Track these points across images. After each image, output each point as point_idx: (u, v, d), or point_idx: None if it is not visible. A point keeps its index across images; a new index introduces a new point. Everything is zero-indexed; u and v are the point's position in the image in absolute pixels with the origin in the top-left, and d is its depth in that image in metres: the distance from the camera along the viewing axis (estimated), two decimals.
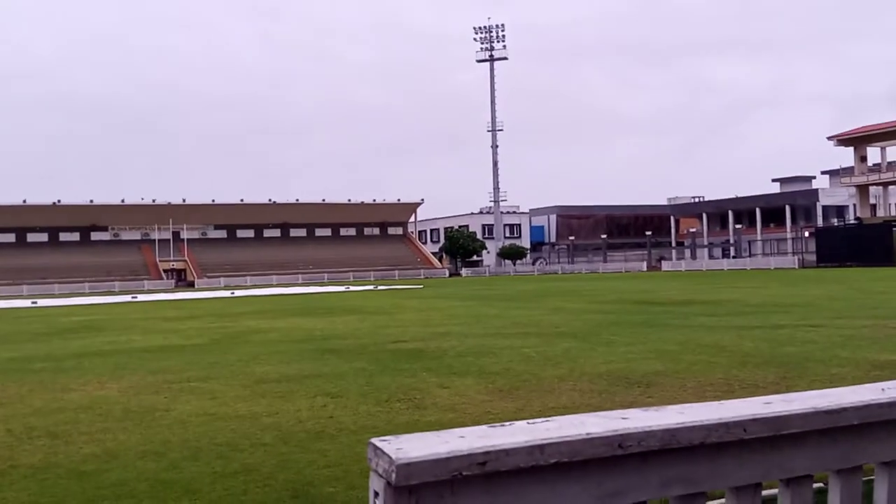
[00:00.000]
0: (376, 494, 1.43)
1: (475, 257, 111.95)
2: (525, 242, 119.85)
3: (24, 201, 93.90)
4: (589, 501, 1.53)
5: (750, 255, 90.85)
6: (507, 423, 1.55)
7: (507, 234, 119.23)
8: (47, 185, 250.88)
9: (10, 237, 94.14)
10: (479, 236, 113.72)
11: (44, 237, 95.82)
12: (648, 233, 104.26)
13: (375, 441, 1.45)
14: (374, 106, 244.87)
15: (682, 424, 1.63)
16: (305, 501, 5.48)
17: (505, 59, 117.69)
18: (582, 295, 34.21)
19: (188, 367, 12.78)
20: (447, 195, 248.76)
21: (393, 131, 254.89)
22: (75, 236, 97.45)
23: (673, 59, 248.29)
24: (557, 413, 6.60)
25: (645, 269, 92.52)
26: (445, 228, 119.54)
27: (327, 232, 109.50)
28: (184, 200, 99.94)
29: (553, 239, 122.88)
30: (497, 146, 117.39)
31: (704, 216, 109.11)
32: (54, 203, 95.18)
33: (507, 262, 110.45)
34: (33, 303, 49.81)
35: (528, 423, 1.56)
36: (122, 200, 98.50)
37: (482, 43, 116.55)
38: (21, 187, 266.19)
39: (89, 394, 10.33)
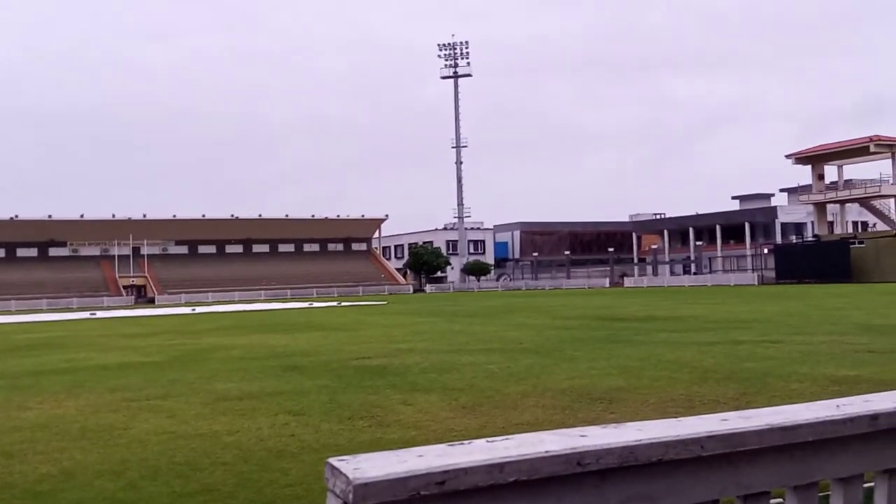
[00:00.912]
0: None
1: (439, 273, 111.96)
2: (489, 258, 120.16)
3: None
4: None
5: (710, 272, 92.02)
6: (467, 442, 1.55)
7: (472, 251, 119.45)
8: (4, 200, 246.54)
9: None
10: (443, 252, 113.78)
11: (1, 253, 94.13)
12: (611, 249, 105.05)
13: (332, 461, 1.44)
14: (340, 120, 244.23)
15: (640, 442, 1.64)
16: None
17: (469, 75, 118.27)
18: (545, 311, 34.35)
19: (147, 385, 12.60)
20: (412, 211, 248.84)
21: (358, 146, 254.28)
22: (33, 252, 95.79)
23: (637, 75, 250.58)
24: (521, 430, 6.61)
25: (607, 285, 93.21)
26: (410, 244, 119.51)
27: (291, 248, 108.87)
28: (144, 216, 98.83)
29: (517, 255, 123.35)
30: (461, 162, 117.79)
31: (666, 233, 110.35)
32: (12, 218, 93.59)
33: (472, 278, 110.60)
34: None
35: (487, 441, 1.56)
36: (82, 215, 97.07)
37: (446, 59, 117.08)
38: None
39: (46, 412, 10.14)
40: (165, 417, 9.45)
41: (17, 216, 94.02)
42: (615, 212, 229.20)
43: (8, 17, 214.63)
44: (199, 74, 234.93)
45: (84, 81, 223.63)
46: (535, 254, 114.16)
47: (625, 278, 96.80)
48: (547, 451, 1.50)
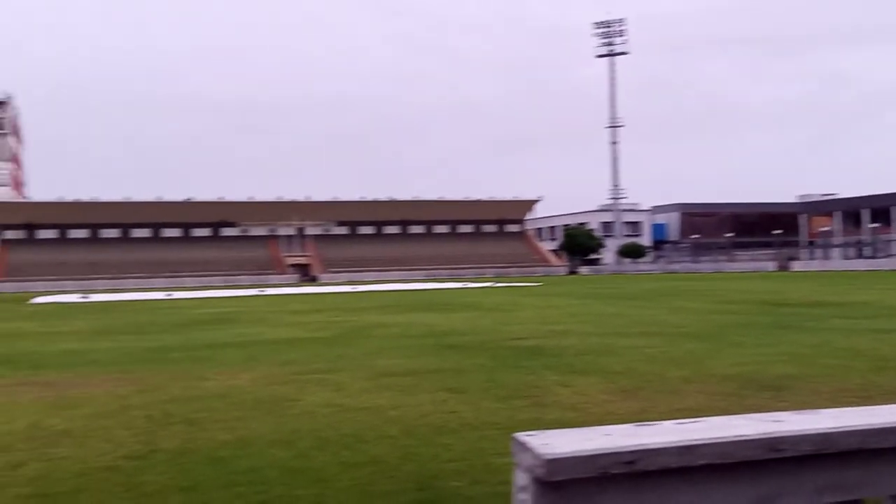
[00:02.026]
0: (521, 489, 1.43)
1: (593, 255, 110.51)
2: (645, 240, 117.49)
3: (160, 198, 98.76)
4: None
5: (886, 256, 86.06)
6: (653, 423, 1.53)
7: (627, 232, 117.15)
8: (180, 183, 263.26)
9: (147, 232, 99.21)
10: (597, 234, 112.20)
11: (177, 233, 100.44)
12: (777, 231, 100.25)
13: (519, 436, 1.45)
14: (492, 102, 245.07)
15: (837, 429, 1.57)
16: (431, 494, 5.54)
17: (625, 53, 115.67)
18: (706, 295, 33.25)
19: (314, 360, 13.14)
20: (565, 192, 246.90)
21: (511, 128, 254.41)
22: (206, 232, 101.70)
23: (804, 49, 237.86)
24: (683, 416, 6.46)
25: (773, 269, 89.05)
26: (563, 226, 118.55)
27: (445, 229, 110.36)
28: (308, 198, 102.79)
29: (675, 237, 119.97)
30: (617, 142, 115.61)
31: (837, 214, 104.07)
32: (187, 200, 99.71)
33: (627, 260, 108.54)
34: (168, 295, 52.29)
35: (675, 423, 1.53)
36: (251, 198, 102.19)
37: (602, 38, 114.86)
38: (156, 185, 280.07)
39: (223, 383, 10.76)
40: (332, 391, 9.83)
41: (191, 198, 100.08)
42: (780, 192, 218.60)
43: (186, 11, 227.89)
44: (355, 61, 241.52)
45: (247, 71, 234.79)
46: (695, 236, 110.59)
47: (791, 262, 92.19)
48: (740, 436, 1.46)
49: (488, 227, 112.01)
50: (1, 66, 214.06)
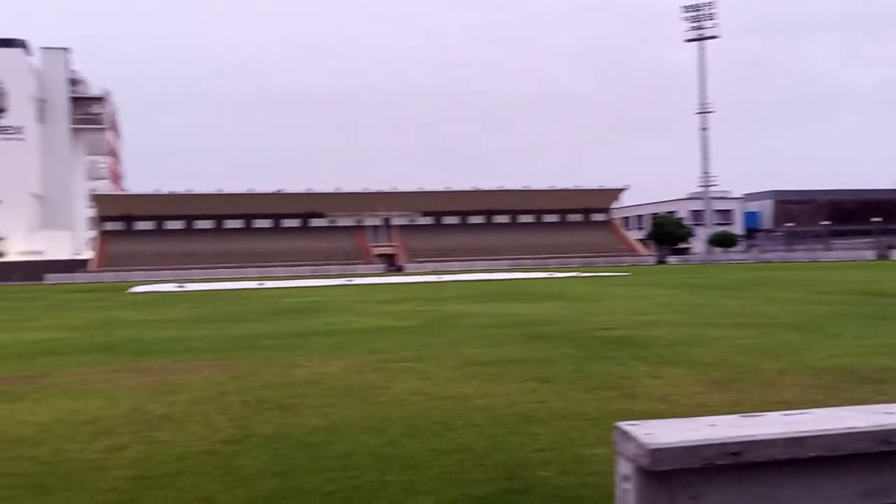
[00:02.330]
0: (625, 478, 1.42)
1: (682, 244, 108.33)
2: (737, 229, 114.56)
3: (251, 190, 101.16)
4: (849, 498, 1.45)
5: None
6: (759, 414, 1.50)
7: (718, 221, 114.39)
8: (270, 175, 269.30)
9: (239, 223, 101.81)
10: (686, 222, 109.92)
11: (268, 223, 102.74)
12: (876, 219, 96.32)
13: (623, 425, 1.44)
14: (575, 89, 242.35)
15: None
16: (520, 483, 5.55)
17: (715, 37, 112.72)
18: (802, 284, 32.24)
19: (402, 348, 13.28)
20: (653, 180, 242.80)
21: (595, 115, 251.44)
22: (296, 223, 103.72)
23: None
24: (779, 408, 6.27)
25: (871, 258, 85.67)
26: (651, 215, 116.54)
27: (530, 218, 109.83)
28: (394, 188, 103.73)
29: (769, 225, 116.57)
30: (707, 128, 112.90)
31: None
32: (277, 192, 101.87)
33: (718, 249, 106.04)
34: (259, 285, 53.58)
35: (783, 414, 1.49)
36: (338, 189, 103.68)
37: (691, 21, 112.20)
38: (247, 177, 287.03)
39: (314, 370, 10.98)
40: (420, 379, 9.92)
41: (281, 190, 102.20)
42: (880, 179, 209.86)
43: (275, 8, 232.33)
44: (439, 51, 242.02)
45: (334, 63, 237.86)
46: (790, 224, 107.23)
47: (892, 251, 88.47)
48: (850, 428, 1.42)
49: (574, 217, 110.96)
50: (98, 62, 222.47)
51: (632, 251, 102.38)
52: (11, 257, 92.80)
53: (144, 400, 8.99)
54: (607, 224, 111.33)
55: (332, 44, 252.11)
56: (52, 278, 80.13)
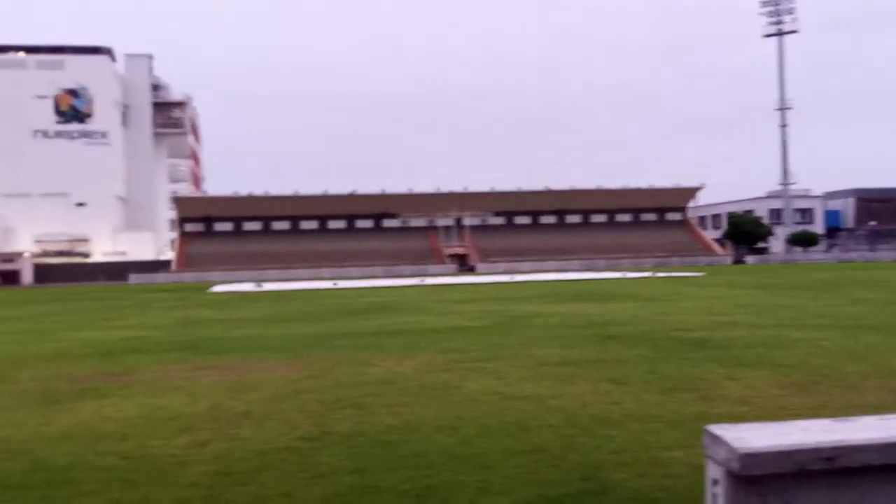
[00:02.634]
0: (714, 482, 1.39)
1: (761, 244, 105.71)
2: (817, 228, 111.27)
3: (326, 191, 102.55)
4: None
5: None
6: (853, 418, 1.45)
7: (797, 220, 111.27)
8: (344, 177, 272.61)
9: (314, 224, 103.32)
10: (765, 221, 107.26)
11: (342, 224, 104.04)
12: None
13: (712, 428, 1.42)
14: (650, 87, 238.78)
15: None
16: (595, 485, 5.50)
17: (794, 32, 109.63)
18: (885, 285, 31.14)
19: (474, 348, 13.29)
20: (730, 179, 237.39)
21: (670, 113, 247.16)
22: (369, 223, 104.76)
23: None
24: (863, 413, 6.06)
25: None
26: (728, 214, 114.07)
27: (603, 218, 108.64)
28: (465, 189, 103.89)
29: (850, 224, 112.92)
30: (786, 125, 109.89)
31: None
32: (351, 193, 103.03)
33: (798, 249, 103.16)
34: (334, 284, 54.27)
35: (877, 418, 1.44)
36: (410, 190, 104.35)
37: (769, 16, 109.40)
38: (322, 179, 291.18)
39: (387, 369, 11.07)
40: (493, 379, 9.91)
41: (355, 191, 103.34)
42: None
43: (340, 11, 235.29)
44: (508, 52, 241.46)
45: (405, 65, 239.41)
46: (873, 223, 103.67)
47: None
48: None
49: (648, 216, 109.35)
50: (179, 68, 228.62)
51: (708, 251, 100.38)
52: (97, 258, 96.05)
53: (224, 397, 9.20)
54: (683, 223, 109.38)
55: (404, 45, 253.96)
56: (135, 278, 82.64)
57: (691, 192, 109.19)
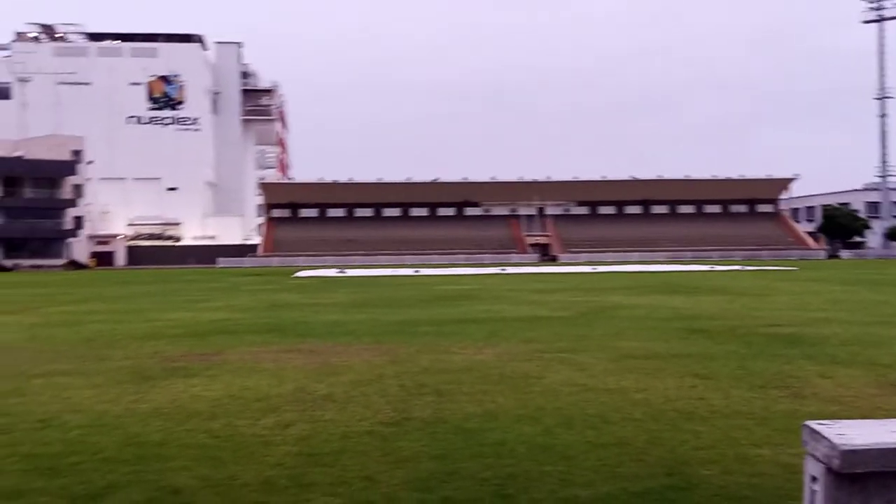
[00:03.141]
0: (813, 479, 1.34)
1: (857, 238, 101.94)
2: None
3: (409, 179, 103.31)
4: None
5: None
6: None
7: None
8: (427, 165, 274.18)
9: (397, 211, 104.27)
10: (862, 215, 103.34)
11: (424, 212, 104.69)
12: None
13: (812, 424, 1.36)
14: (742, 75, 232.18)
15: None
16: (680, 480, 5.39)
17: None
18: None
19: (556, 338, 13.20)
20: (825, 170, 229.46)
21: (765, 102, 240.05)
22: (451, 211, 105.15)
23: None
24: None
25: None
26: (822, 206, 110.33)
27: (690, 209, 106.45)
28: (548, 178, 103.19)
29: None
30: (886, 115, 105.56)
31: None
32: (433, 181, 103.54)
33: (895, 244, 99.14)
34: (416, 271, 54.70)
35: None
36: (493, 178, 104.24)
37: (869, 1, 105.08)
38: (405, 166, 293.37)
39: (469, 357, 11.10)
40: (575, 370, 9.83)
41: (438, 179, 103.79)
42: None
43: None
44: (593, 37, 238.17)
45: (490, 53, 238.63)
46: None
47: None
48: None
49: (738, 207, 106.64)
50: (268, 54, 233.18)
51: (801, 244, 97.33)
52: (187, 241, 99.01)
53: (309, 380, 9.38)
54: (774, 216, 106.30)
55: (488, 33, 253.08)
56: (223, 262, 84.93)
57: (784, 184, 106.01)
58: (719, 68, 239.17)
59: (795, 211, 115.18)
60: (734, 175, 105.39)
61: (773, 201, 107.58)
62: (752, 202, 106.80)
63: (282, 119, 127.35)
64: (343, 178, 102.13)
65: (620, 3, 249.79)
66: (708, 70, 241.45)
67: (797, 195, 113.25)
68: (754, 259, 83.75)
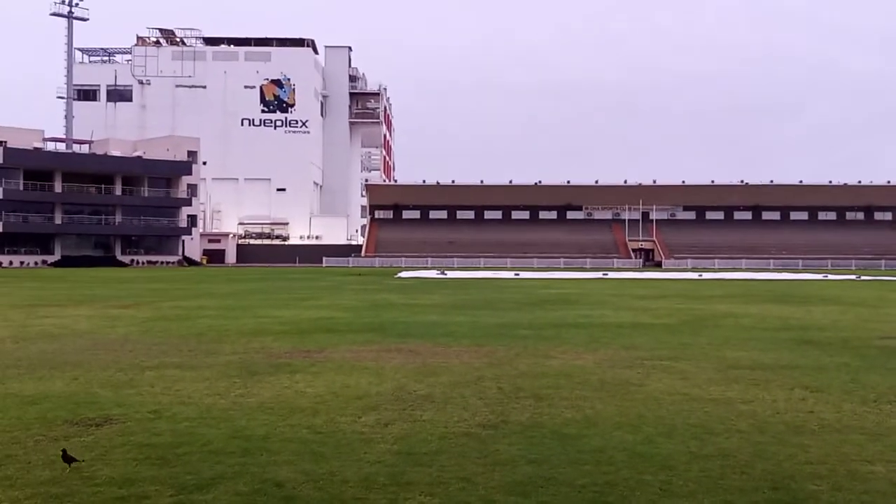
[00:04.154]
0: None
1: None
2: None
3: (510, 182, 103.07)
4: None
5: None
6: None
7: None
8: (529, 168, 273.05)
9: (498, 214, 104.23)
10: None
11: (525, 215, 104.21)
12: None
13: None
14: (871, 78, 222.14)
15: None
16: (786, 495, 5.22)
17: None
18: None
19: (659, 346, 12.95)
20: None
21: (889, 106, 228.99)
22: (553, 215, 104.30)
23: None
24: None
25: None
26: None
27: (804, 216, 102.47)
28: (654, 181, 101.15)
29: None
30: None
31: None
32: (535, 184, 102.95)
33: None
34: (516, 274, 54.50)
35: None
36: (596, 181, 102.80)
37: None
38: (506, 168, 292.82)
39: (567, 362, 11.01)
40: (678, 379, 9.62)
41: (540, 182, 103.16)
42: None
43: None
44: (710, 37, 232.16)
45: (596, 54, 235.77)
46: None
47: None
48: None
49: (854, 214, 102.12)
50: (375, 57, 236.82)
51: None
52: (294, 241, 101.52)
53: (408, 379, 9.49)
54: (893, 223, 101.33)
55: (599, 33, 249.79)
56: (328, 261, 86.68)
57: None
58: (847, 70, 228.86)
59: None
60: (851, 181, 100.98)
61: (892, 208, 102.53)
62: (868, 209, 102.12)
63: (387, 122, 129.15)
64: (445, 181, 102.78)
65: (741, 3, 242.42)
66: (831, 72, 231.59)
67: None
68: (871, 268, 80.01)
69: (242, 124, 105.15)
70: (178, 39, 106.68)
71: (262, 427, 7.05)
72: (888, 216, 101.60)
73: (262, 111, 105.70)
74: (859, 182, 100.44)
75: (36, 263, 70.75)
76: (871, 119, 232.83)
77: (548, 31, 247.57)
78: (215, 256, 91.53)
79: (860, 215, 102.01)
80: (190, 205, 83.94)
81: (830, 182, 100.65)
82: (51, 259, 72.31)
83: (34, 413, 7.62)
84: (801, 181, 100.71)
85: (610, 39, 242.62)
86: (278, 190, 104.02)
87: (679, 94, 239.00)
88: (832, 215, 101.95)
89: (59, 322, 16.94)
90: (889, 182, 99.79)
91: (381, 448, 6.34)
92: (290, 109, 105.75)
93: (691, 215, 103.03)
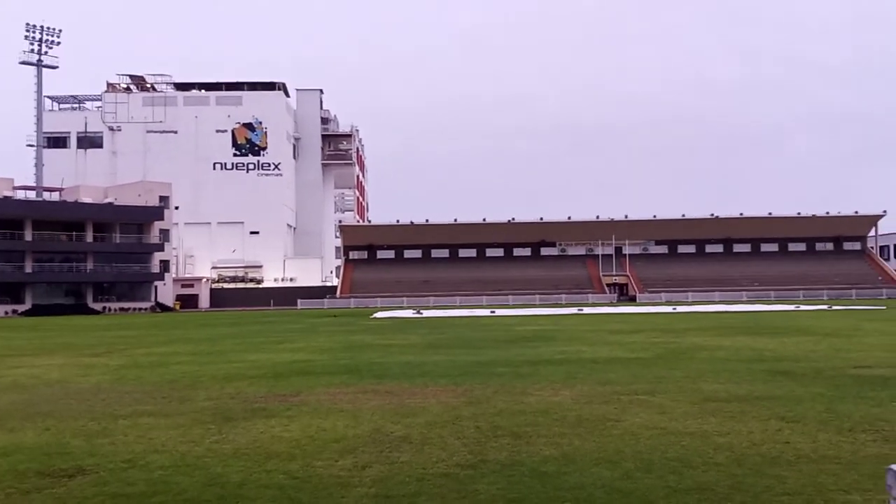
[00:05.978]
0: None
1: None
2: None
3: (484, 220, 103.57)
4: None
5: None
6: None
7: None
8: (502, 205, 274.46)
9: (472, 252, 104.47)
10: None
11: (499, 252, 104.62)
12: None
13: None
14: (844, 112, 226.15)
15: None
16: None
17: None
18: None
19: (635, 380, 12.99)
20: None
21: (860, 139, 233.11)
22: (527, 251, 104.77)
23: None
24: None
25: None
26: None
27: (774, 247, 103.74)
28: (626, 216, 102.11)
29: None
30: None
31: None
32: (509, 221, 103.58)
33: None
34: (492, 312, 54.54)
35: None
36: (569, 217, 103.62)
37: None
38: (480, 207, 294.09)
39: (545, 399, 11.00)
40: (655, 413, 9.64)
41: (513, 219, 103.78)
42: None
43: (531, 43, 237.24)
44: (690, 73, 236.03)
45: (580, 91, 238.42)
46: None
47: None
48: None
49: (823, 245, 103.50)
50: (347, 100, 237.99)
51: (890, 283, 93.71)
52: (268, 284, 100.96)
53: (385, 421, 9.43)
54: (862, 253, 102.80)
55: (583, 71, 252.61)
56: (303, 304, 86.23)
57: (871, 220, 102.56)
58: (818, 106, 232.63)
59: (883, 248, 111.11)
60: (819, 212, 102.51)
61: (860, 238, 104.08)
62: (837, 240, 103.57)
63: (360, 163, 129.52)
64: (419, 220, 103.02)
65: (726, 40, 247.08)
66: (806, 108, 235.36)
67: (885, 232, 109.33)
68: (841, 298, 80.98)
69: (214, 168, 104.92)
70: (148, 85, 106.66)
71: (238, 474, 6.96)
72: (857, 246, 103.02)
73: (234, 155, 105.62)
74: (827, 213, 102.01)
75: (6, 313, 69.80)
76: (844, 153, 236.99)
77: (530, 72, 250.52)
78: (189, 301, 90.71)
79: (829, 245, 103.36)
80: (162, 250, 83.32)
81: (799, 214, 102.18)
82: (21, 308, 71.37)
83: (5, 465, 7.47)
84: (770, 213, 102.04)
85: (586, 81, 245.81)
86: (251, 233, 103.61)
87: (648, 130, 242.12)
88: (802, 246, 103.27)
89: (31, 372, 16.67)
90: (857, 212, 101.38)
91: (358, 492, 6.28)
92: (262, 152, 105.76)
93: (664, 249, 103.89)
